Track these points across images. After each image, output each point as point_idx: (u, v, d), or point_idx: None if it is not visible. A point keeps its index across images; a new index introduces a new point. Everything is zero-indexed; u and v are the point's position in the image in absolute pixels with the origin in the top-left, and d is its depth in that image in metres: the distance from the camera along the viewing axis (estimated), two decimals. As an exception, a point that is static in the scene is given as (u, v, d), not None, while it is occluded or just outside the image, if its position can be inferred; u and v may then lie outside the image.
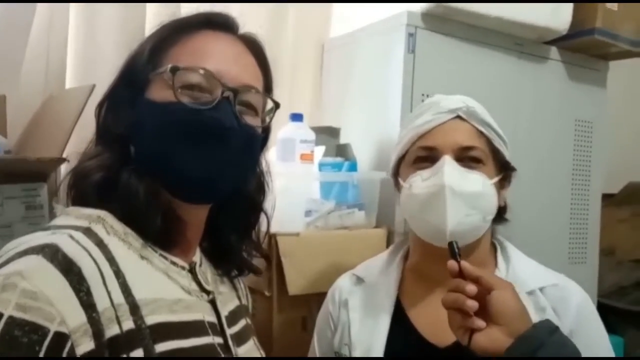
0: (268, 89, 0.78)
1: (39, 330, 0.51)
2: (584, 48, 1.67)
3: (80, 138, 1.05)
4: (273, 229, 1.04)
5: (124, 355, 0.56)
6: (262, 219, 0.83)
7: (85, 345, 0.53)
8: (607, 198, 1.99)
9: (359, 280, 1.03)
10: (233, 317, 0.76)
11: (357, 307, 0.99)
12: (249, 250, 0.82)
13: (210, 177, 0.68)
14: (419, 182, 0.91)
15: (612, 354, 0.93)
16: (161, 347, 0.60)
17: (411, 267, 1.01)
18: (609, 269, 2.14)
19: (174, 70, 0.66)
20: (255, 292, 1.03)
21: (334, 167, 1.39)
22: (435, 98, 0.97)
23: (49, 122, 1.25)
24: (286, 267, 1.17)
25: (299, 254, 1.20)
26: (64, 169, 1.15)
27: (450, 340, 0.87)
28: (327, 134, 1.51)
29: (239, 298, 0.84)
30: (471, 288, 0.74)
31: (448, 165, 0.88)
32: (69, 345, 0.52)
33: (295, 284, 1.18)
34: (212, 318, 0.70)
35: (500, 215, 0.97)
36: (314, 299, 1.18)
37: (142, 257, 0.65)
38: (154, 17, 1.43)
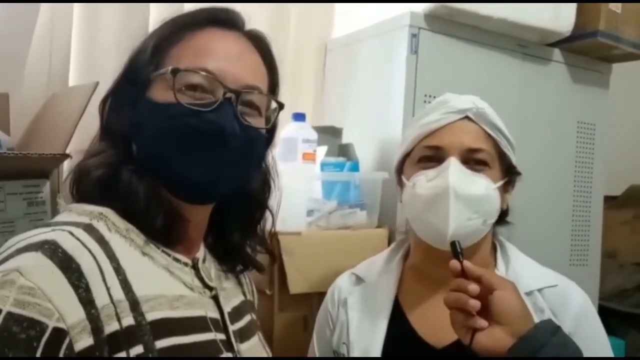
0: (274, 86, 0.77)
1: (37, 326, 0.51)
2: (586, 50, 1.67)
3: (83, 135, 1.05)
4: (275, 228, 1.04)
5: (124, 352, 0.56)
6: (267, 215, 0.83)
7: (84, 341, 0.53)
8: (609, 200, 1.98)
9: (359, 279, 1.03)
10: (237, 313, 0.76)
11: (355, 306, 0.99)
12: (253, 246, 0.81)
13: (210, 179, 0.67)
14: (423, 182, 0.91)
15: (611, 356, 0.92)
16: (162, 343, 0.59)
17: (411, 266, 1.01)
18: (611, 272, 2.13)
19: (175, 72, 0.66)
20: (256, 290, 1.03)
21: (336, 166, 1.39)
22: (444, 97, 0.96)
23: (52, 120, 1.25)
24: (287, 266, 1.17)
25: (300, 253, 1.20)
26: (66, 165, 1.15)
27: (448, 340, 0.87)
28: (330, 133, 1.50)
29: (244, 294, 0.83)
30: (473, 287, 0.74)
31: (453, 167, 0.88)
32: (67, 341, 0.52)
33: (297, 283, 1.18)
34: (214, 314, 0.70)
35: (502, 218, 0.97)
36: (315, 298, 1.18)
37: (144, 254, 0.65)
38: (156, 17, 1.43)
